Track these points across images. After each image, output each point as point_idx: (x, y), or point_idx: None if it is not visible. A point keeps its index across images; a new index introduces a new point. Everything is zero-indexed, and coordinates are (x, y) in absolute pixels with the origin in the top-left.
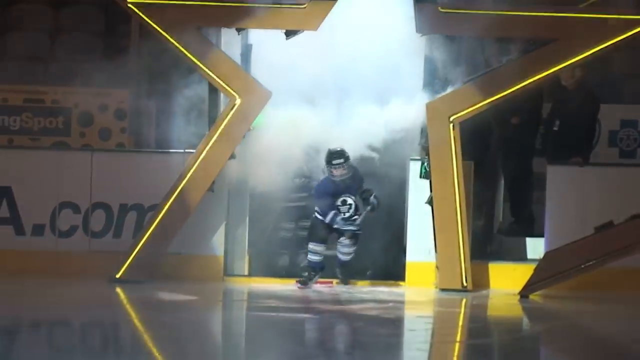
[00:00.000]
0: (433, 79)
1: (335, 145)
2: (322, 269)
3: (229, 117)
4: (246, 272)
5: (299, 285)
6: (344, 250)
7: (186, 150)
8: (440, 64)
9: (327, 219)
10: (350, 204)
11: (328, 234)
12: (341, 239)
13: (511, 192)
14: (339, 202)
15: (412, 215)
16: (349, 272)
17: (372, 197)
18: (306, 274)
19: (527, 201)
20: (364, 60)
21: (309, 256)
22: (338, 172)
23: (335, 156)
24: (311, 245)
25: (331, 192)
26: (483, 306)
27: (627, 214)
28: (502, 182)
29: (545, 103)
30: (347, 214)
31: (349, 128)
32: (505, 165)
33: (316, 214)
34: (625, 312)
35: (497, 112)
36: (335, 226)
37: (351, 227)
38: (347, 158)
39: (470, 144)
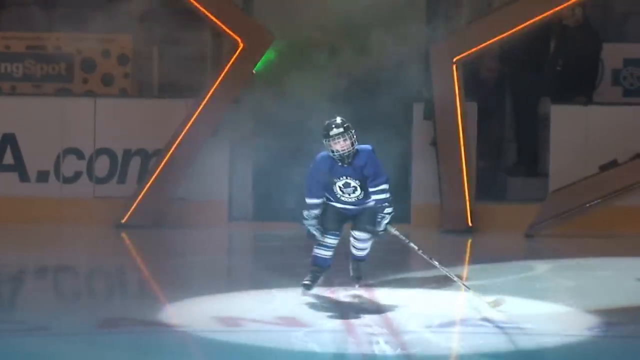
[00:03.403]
0: (436, 21)
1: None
2: (329, 268)
3: (231, 61)
4: (251, 217)
5: (303, 290)
6: (359, 245)
7: (189, 96)
8: (443, 4)
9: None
10: (354, 187)
11: (342, 221)
12: (355, 232)
13: (516, 132)
14: (340, 184)
15: (416, 157)
16: (362, 270)
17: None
18: (309, 276)
19: (531, 141)
20: (367, 2)
21: (315, 250)
22: (338, 146)
23: (333, 126)
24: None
25: (328, 170)
26: (488, 247)
27: (631, 152)
28: (506, 122)
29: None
30: (352, 197)
31: (352, 70)
32: (511, 105)
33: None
34: (630, 252)
35: (502, 52)
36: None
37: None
38: (347, 127)
39: (474, 85)
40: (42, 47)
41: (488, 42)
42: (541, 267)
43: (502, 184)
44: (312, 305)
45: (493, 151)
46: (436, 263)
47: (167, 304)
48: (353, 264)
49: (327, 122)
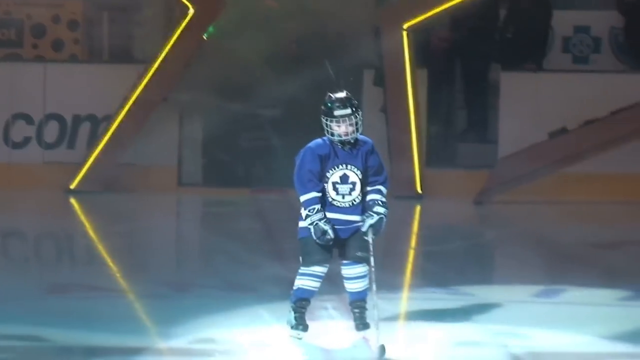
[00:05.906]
0: None
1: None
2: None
3: (182, 27)
4: (200, 182)
5: (295, 336)
6: (354, 285)
7: (140, 62)
8: None
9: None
10: (353, 183)
11: (330, 249)
12: (344, 266)
13: (466, 99)
14: (337, 177)
15: (366, 123)
16: (365, 313)
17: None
18: (296, 317)
19: (481, 108)
20: None
21: (299, 281)
22: (342, 129)
23: (339, 104)
24: (304, 270)
25: (327, 155)
26: (437, 213)
27: (581, 120)
28: (456, 89)
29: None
30: (345, 200)
31: (302, 35)
32: (462, 72)
33: (306, 226)
34: (578, 218)
35: (453, 20)
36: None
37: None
38: (355, 108)
39: (425, 52)
40: None
41: (438, 9)
42: (490, 233)
43: (452, 150)
44: (260, 272)
45: (443, 118)
46: (375, 296)
47: (115, 269)
48: (354, 309)
49: (329, 96)
